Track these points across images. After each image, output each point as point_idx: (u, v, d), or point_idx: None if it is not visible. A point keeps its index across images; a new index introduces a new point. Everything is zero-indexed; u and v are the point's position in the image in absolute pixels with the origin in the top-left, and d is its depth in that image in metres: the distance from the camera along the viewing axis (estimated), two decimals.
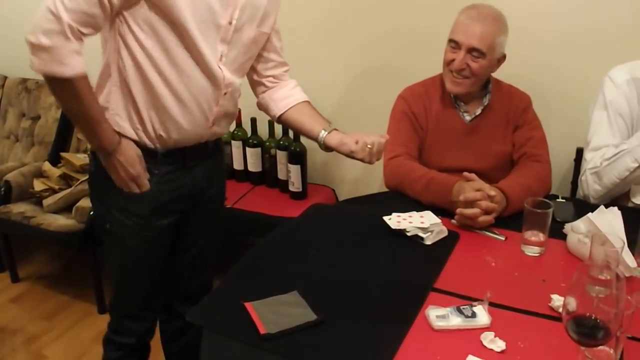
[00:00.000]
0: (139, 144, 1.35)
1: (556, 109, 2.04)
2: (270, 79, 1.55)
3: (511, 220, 1.50)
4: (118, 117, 1.33)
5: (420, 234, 1.41)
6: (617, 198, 1.66)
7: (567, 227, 1.41)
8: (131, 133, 1.34)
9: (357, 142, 1.42)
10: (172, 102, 1.31)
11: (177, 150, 1.39)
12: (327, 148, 1.48)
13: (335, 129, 1.49)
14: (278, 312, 1.12)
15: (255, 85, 1.57)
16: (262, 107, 1.59)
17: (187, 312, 1.15)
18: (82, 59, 1.20)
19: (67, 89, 1.20)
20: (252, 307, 1.13)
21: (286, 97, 1.54)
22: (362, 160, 1.42)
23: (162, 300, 1.62)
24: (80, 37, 1.17)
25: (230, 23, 1.30)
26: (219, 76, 1.34)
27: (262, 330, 1.07)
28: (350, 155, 1.44)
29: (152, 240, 1.45)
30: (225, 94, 1.38)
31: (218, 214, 1.63)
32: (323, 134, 1.47)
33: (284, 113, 1.54)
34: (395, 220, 1.45)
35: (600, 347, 0.98)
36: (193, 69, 1.30)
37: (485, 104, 1.78)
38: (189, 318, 1.15)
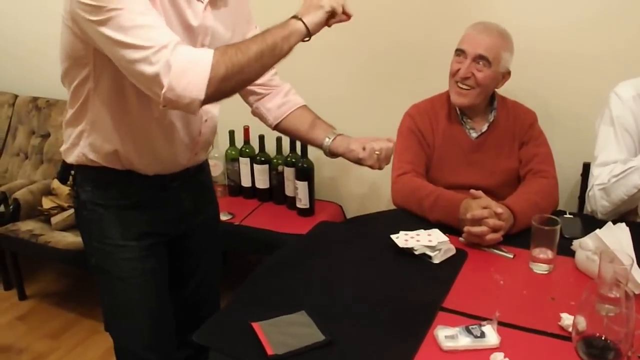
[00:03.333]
0: (119, 160, 1.27)
1: (562, 125, 2.04)
2: (261, 87, 1.46)
3: (519, 237, 1.49)
4: (104, 140, 1.25)
5: (428, 252, 1.41)
6: (625, 214, 1.65)
7: (575, 243, 1.41)
8: (115, 152, 1.26)
9: (364, 149, 1.39)
10: (157, 134, 1.27)
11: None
12: (332, 154, 1.45)
13: (340, 134, 1.44)
14: (286, 333, 1.11)
15: (245, 94, 1.47)
16: (256, 115, 1.51)
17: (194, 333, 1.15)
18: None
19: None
20: (259, 327, 1.13)
21: (281, 104, 1.46)
22: (370, 167, 1.40)
23: (173, 343, 1.47)
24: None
25: None
26: None
27: (270, 351, 1.06)
28: (357, 162, 1.41)
29: (139, 266, 1.34)
30: (205, 120, 1.35)
31: (214, 234, 1.58)
32: (327, 141, 1.43)
33: (280, 122, 1.47)
34: (402, 239, 1.45)
35: None
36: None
37: (491, 120, 1.79)
38: (196, 338, 1.14)
